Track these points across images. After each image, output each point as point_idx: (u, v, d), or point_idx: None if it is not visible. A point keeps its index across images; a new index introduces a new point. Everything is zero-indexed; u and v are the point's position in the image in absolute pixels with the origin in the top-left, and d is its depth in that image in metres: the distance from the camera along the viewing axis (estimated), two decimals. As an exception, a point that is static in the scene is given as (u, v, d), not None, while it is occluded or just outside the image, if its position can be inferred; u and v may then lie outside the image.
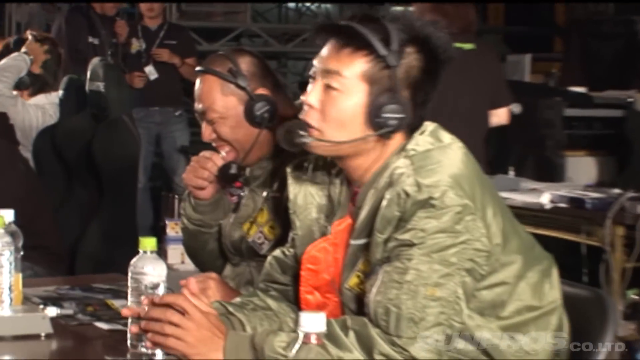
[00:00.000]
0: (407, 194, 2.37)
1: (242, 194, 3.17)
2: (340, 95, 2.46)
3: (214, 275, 2.99)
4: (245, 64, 3.03)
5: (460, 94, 5.68)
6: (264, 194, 3.07)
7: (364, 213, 2.48)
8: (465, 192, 2.38)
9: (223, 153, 3.02)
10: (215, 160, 2.97)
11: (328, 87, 2.48)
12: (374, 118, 2.43)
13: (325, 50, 2.51)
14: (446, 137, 2.48)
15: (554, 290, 2.53)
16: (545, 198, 5.76)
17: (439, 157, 2.43)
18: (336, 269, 2.56)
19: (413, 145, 2.45)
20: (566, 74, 9.10)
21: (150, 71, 8.54)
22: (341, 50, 2.46)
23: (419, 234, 2.34)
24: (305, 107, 2.51)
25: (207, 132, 2.98)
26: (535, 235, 5.38)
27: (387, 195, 2.40)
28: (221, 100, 2.99)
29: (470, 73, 5.76)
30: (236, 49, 3.29)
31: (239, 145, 2.98)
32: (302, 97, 2.55)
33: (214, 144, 2.99)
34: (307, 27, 2.56)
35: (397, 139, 2.50)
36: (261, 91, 2.99)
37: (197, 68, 3.08)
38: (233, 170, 3.00)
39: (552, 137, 7.01)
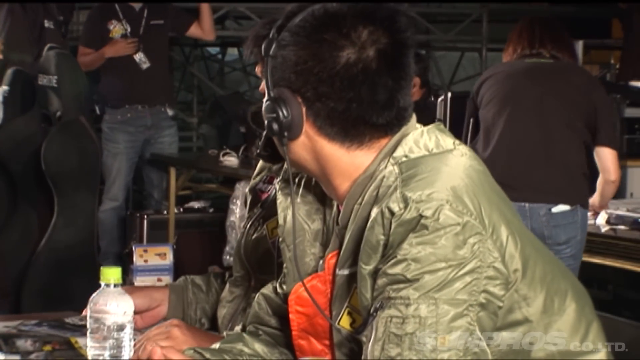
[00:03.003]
0: (392, 213, 2.18)
1: (273, 189, 3.09)
2: None
3: (176, 321, 2.85)
4: None
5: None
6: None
7: (348, 235, 2.32)
8: (467, 207, 2.18)
9: None
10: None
11: None
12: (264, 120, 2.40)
13: None
14: (448, 140, 2.32)
15: (595, 337, 2.34)
16: (601, 219, 5.66)
17: (435, 164, 2.25)
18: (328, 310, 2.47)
19: (405, 150, 2.29)
20: (627, 66, 9.12)
21: (142, 59, 7.89)
22: None
23: (412, 266, 2.14)
24: None
25: None
26: (589, 265, 5.48)
27: (373, 214, 2.24)
28: None
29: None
30: None
31: None
32: None
33: None
34: (306, 6, 2.39)
35: (341, 152, 2.34)
36: None
37: None
38: None
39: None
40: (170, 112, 8.10)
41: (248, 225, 3.15)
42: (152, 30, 7.99)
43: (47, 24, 7.48)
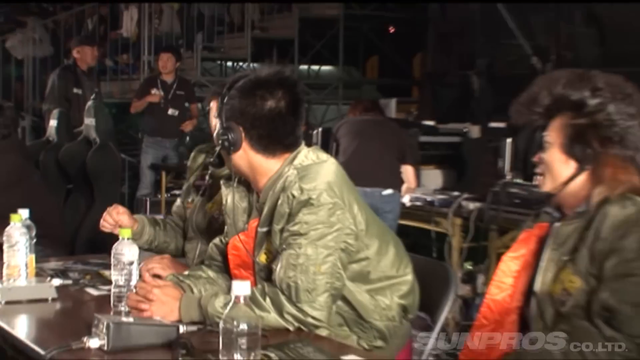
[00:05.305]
0: (293, 196, 2.36)
1: (206, 183, 3.20)
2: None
3: (167, 256, 3.09)
4: None
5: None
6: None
7: (265, 209, 2.46)
8: (336, 193, 2.37)
9: None
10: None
11: None
12: (218, 139, 2.49)
13: None
14: (324, 155, 2.50)
15: (404, 265, 2.58)
16: (406, 199, 6.24)
17: (317, 169, 2.41)
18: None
19: (300, 160, 2.45)
20: (420, 112, 9.26)
21: (174, 112, 8.70)
22: None
23: (304, 226, 2.32)
24: None
25: None
26: (401, 225, 6.01)
27: (281, 197, 2.39)
28: None
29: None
30: None
31: None
32: None
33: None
34: (243, 76, 2.56)
35: (264, 160, 2.49)
36: None
37: None
38: None
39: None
40: (183, 141, 8.63)
41: (197, 206, 3.24)
42: (176, 96, 8.69)
43: (75, 90, 8.23)
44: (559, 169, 2.31)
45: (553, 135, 2.31)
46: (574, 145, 2.28)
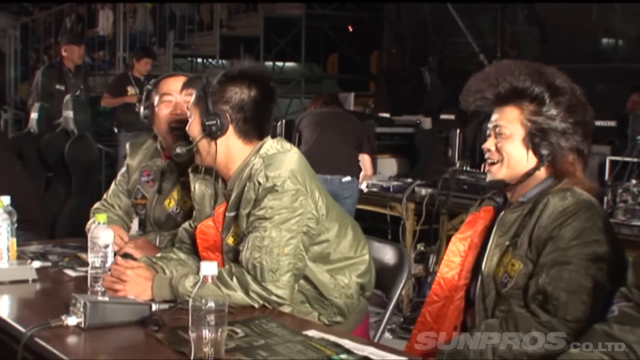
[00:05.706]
0: (259, 183, 2.37)
1: (154, 180, 3.14)
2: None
3: (142, 238, 3.07)
4: None
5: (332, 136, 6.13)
6: (180, 178, 3.07)
7: (233, 195, 2.47)
8: (299, 181, 2.37)
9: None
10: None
11: None
12: (203, 126, 2.46)
13: None
14: (287, 145, 2.50)
15: (362, 246, 2.59)
16: (364, 185, 6.31)
17: (282, 157, 2.41)
18: (218, 237, 2.53)
19: (265, 149, 2.46)
20: (377, 105, 9.30)
21: (138, 106, 8.41)
22: None
23: (269, 210, 2.33)
24: None
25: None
26: (359, 209, 6.02)
27: (248, 184, 2.40)
28: None
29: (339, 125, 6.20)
30: None
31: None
32: None
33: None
34: (222, 68, 2.54)
35: (242, 146, 2.46)
36: None
37: None
38: None
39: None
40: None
41: (154, 202, 3.13)
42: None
43: (58, 86, 8.14)
44: (519, 160, 2.27)
45: (511, 127, 2.27)
46: (535, 141, 2.24)
